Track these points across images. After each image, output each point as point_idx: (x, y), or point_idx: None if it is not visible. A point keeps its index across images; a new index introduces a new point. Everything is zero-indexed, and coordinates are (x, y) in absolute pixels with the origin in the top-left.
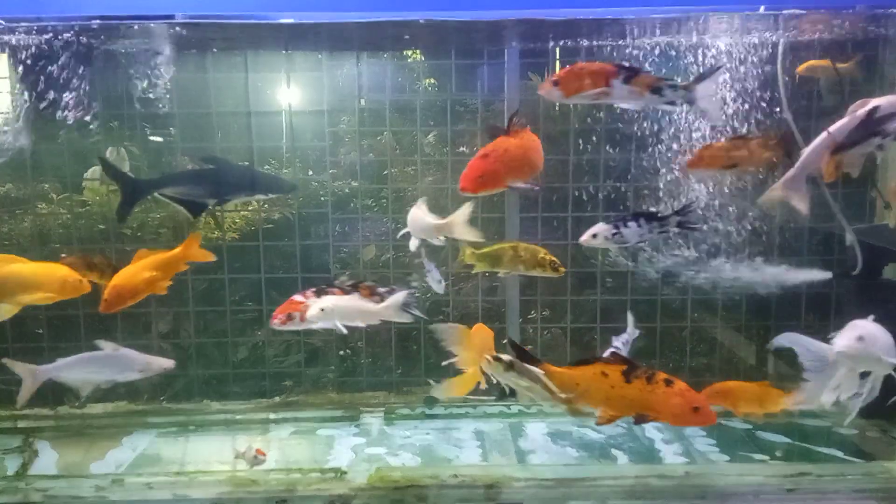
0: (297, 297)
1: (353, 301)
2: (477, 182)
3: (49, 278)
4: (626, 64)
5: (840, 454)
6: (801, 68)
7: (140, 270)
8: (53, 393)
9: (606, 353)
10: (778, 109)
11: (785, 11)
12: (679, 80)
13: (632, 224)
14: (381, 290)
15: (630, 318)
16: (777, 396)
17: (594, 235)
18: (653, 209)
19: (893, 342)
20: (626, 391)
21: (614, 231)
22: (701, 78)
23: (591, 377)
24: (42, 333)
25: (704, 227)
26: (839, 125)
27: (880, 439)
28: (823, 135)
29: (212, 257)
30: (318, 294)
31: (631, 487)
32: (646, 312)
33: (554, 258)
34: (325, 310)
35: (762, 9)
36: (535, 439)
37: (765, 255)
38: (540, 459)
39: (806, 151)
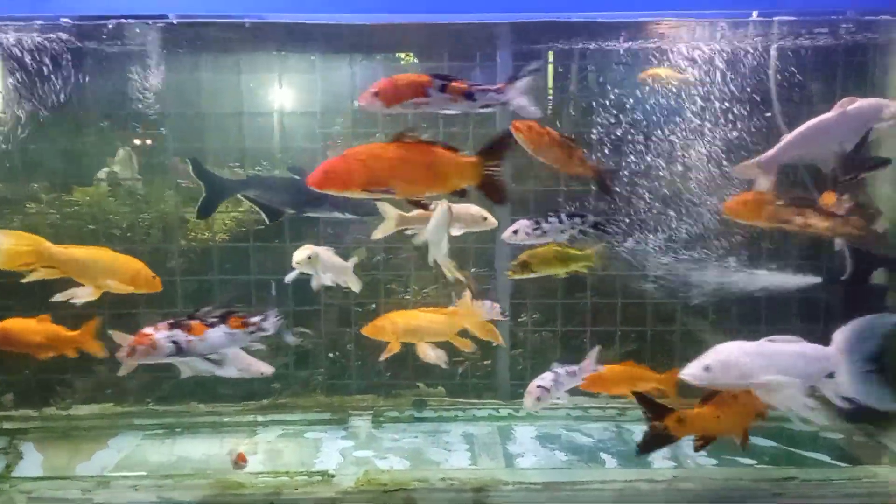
0: (147, 330)
1: None
2: (320, 177)
3: (125, 269)
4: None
5: (827, 459)
6: (642, 75)
7: (32, 330)
8: (39, 393)
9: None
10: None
11: (776, 18)
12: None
13: (553, 220)
14: (254, 319)
15: (594, 352)
16: (643, 374)
17: (515, 231)
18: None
19: (766, 364)
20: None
21: (535, 227)
22: (513, 79)
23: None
24: None
25: (618, 232)
26: (823, 118)
27: (867, 444)
28: (806, 124)
29: (101, 353)
30: (173, 327)
31: (619, 491)
32: (636, 316)
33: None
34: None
35: (755, 14)
36: (524, 443)
37: (754, 259)
38: (529, 463)
39: (787, 138)
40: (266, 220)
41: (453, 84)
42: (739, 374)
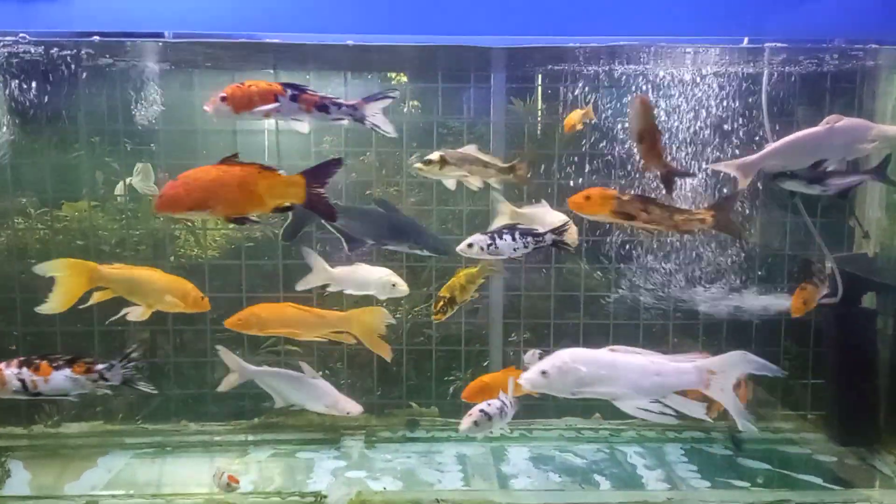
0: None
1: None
2: (157, 202)
3: (174, 289)
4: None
5: (819, 481)
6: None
7: None
8: (27, 411)
9: None
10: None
11: (767, 45)
12: (344, 100)
13: (507, 237)
14: (99, 366)
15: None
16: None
17: (470, 245)
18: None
19: (605, 374)
20: None
21: (489, 242)
22: (370, 99)
23: None
24: (16, 350)
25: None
26: (809, 132)
27: (859, 467)
28: (793, 135)
29: None
30: (22, 366)
31: None
32: (627, 336)
33: None
34: None
35: (745, 41)
36: (518, 464)
37: (745, 282)
38: (522, 484)
39: (771, 146)
40: (346, 247)
41: (306, 94)
42: (576, 382)
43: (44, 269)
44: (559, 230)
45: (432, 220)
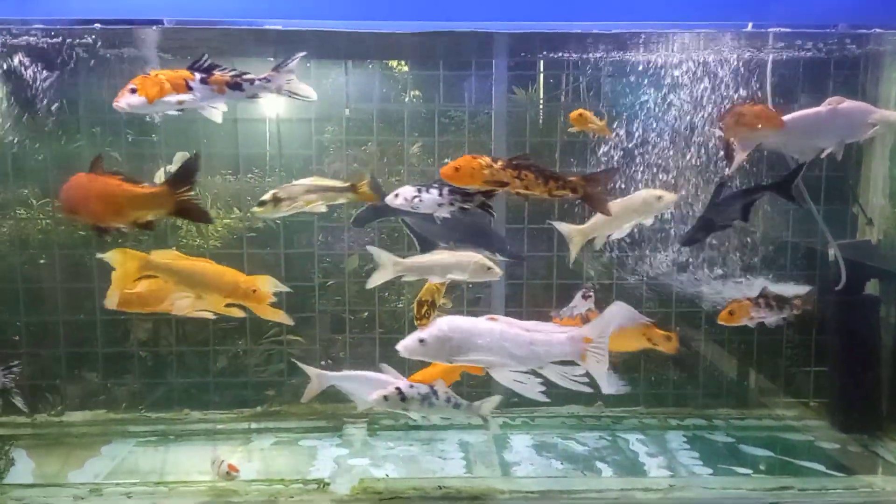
0: None
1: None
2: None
3: (225, 280)
4: (203, 64)
5: (822, 468)
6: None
7: None
8: (29, 400)
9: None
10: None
11: (770, 30)
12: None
13: (433, 191)
14: None
15: None
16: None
17: (396, 195)
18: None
19: (482, 343)
20: None
21: (415, 195)
22: (279, 66)
23: None
24: (19, 340)
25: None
26: (811, 112)
27: (861, 454)
28: (794, 114)
29: None
30: None
31: (615, 500)
32: None
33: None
34: None
35: (750, 25)
36: (520, 451)
37: (748, 269)
38: (524, 472)
39: None
40: (418, 248)
41: (216, 76)
42: (452, 350)
43: (105, 257)
44: (489, 193)
45: None
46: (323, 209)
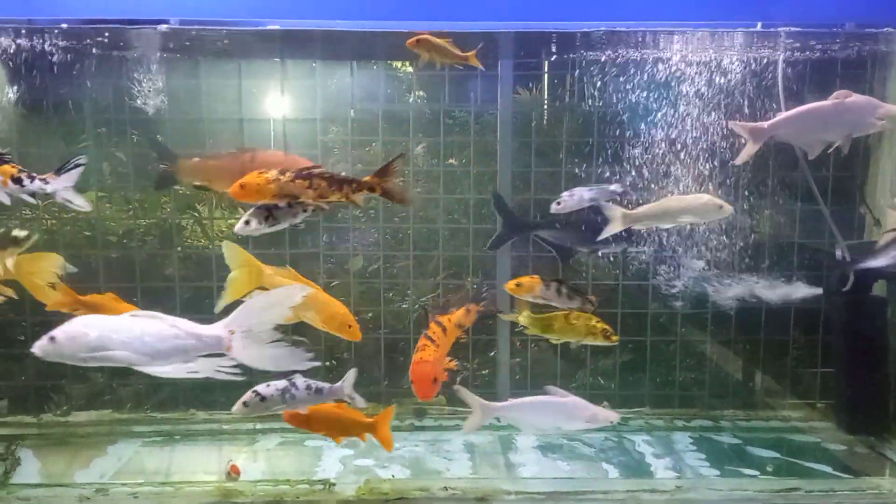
0: None
1: None
2: None
3: (325, 308)
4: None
5: (829, 470)
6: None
7: None
8: (35, 400)
9: None
10: None
11: (780, 29)
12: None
13: (283, 206)
14: None
15: (350, 374)
16: (350, 417)
17: (247, 222)
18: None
19: (119, 339)
20: None
21: (266, 215)
22: (60, 170)
23: None
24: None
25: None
26: (819, 105)
27: (868, 455)
28: (803, 107)
29: None
30: None
31: (622, 501)
32: (635, 326)
33: (606, 326)
34: None
35: (759, 25)
36: (525, 452)
37: (755, 270)
38: (530, 472)
39: (782, 115)
40: (559, 261)
41: (3, 167)
42: (87, 347)
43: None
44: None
45: (439, 210)
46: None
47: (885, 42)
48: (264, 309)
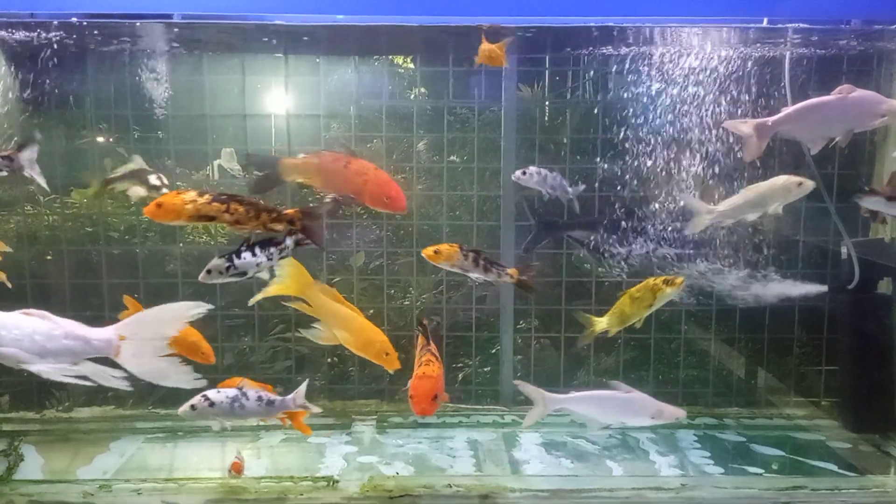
0: None
1: None
2: None
3: (362, 334)
4: None
5: (834, 468)
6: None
7: None
8: (37, 396)
9: None
10: None
11: (789, 25)
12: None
13: (246, 255)
14: None
15: (302, 386)
16: None
17: (209, 272)
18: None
19: (8, 332)
20: None
21: (227, 264)
22: (21, 147)
23: None
24: None
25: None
26: (823, 100)
27: (873, 454)
28: (807, 101)
29: None
30: None
31: (626, 499)
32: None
33: (665, 277)
34: None
35: (765, 21)
36: (529, 449)
37: (759, 267)
38: (534, 470)
39: (787, 109)
40: (594, 263)
41: None
42: None
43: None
44: (300, 235)
45: (442, 207)
46: None
47: (890, 38)
48: (158, 321)
